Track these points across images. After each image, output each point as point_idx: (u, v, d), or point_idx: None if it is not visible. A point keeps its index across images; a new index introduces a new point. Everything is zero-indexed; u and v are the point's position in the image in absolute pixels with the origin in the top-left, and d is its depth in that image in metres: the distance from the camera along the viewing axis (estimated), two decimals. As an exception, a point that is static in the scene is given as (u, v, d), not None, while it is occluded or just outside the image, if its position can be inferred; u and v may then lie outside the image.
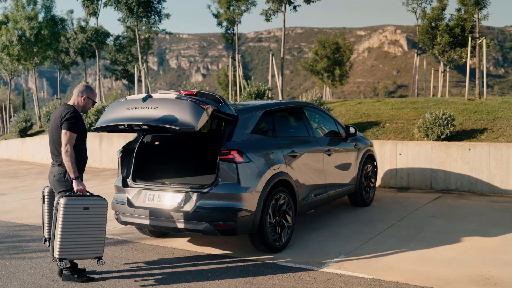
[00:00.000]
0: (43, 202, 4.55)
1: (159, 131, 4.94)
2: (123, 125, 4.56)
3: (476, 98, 12.00)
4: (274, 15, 15.27)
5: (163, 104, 4.44)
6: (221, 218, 4.55)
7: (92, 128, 4.89)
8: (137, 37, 16.24)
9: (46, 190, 4.55)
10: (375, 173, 7.40)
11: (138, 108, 4.53)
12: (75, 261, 4.25)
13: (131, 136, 11.63)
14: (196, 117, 4.28)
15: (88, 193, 4.18)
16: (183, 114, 4.30)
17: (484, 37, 12.93)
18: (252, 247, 5.01)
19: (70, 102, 4.34)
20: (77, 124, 4.16)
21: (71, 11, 23.68)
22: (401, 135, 9.64)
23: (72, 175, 4.08)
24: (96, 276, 4.36)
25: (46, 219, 4.52)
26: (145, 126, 4.46)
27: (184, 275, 4.39)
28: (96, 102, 4.53)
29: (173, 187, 4.88)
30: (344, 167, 6.47)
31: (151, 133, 5.36)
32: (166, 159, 5.74)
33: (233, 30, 20.08)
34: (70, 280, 4.20)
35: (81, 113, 4.34)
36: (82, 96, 4.30)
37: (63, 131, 4.09)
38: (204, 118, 4.34)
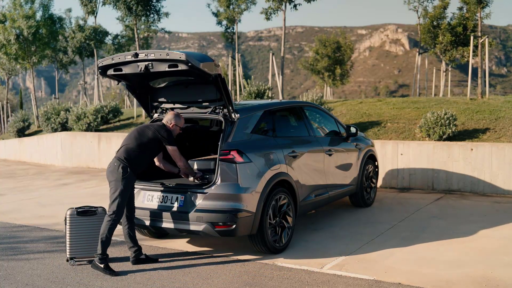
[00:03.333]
0: (65, 224, 4.72)
1: (163, 74, 4.86)
2: (132, 62, 4.55)
3: (478, 98, 11.93)
4: (274, 13, 15.21)
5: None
6: (221, 219, 4.51)
7: (98, 67, 4.94)
8: (136, 36, 16.17)
9: (68, 212, 4.75)
10: (376, 174, 7.35)
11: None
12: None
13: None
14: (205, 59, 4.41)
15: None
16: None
17: (486, 36, 12.84)
18: (252, 248, 4.97)
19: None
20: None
21: (69, 10, 23.59)
22: (402, 135, 9.59)
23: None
24: (95, 278, 4.32)
25: (68, 240, 4.71)
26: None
27: (184, 276, 4.35)
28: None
29: (172, 188, 4.85)
30: (345, 167, 6.42)
31: (157, 77, 5.13)
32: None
33: (233, 29, 20.01)
34: (96, 268, 4.45)
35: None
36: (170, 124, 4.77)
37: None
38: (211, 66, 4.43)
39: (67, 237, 4.68)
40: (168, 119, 4.76)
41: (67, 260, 4.69)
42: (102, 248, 4.45)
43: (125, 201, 4.50)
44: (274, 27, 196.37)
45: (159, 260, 4.81)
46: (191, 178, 4.91)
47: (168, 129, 4.70)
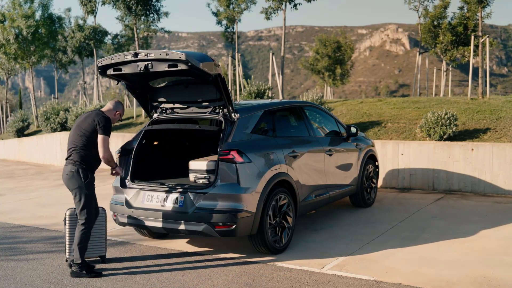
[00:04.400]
0: (65, 224, 4.69)
1: (163, 74, 4.85)
2: (132, 61, 4.53)
3: (479, 98, 11.91)
4: (274, 13, 15.19)
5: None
6: (221, 219, 4.49)
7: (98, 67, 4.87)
8: (136, 35, 16.16)
9: (68, 212, 4.72)
10: (376, 174, 7.34)
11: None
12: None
13: (129, 137, 11.59)
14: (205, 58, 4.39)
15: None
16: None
17: (487, 35, 12.82)
18: (252, 248, 4.95)
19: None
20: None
21: (69, 9, 23.52)
22: (403, 135, 9.57)
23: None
24: (95, 278, 4.31)
25: (67, 240, 4.67)
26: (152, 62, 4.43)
27: (183, 276, 4.33)
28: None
29: (172, 188, 4.83)
30: (345, 167, 6.40)
31: (156, 77, 5.11)
32: (164, 159, 5.68)
33: (233, 28, 19.97)
34: (78, 276, 4.35)
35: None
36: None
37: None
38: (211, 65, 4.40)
39: (67, 238, 4.66)
40: (110, 106, 4.61)
41: (67, 261, 4.67)
42: (81, 257, 4.37)
43: (93, 205, 4.43)
44: (274, 27, 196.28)
45: (158, 260, 4.79)
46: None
47: (107, 116, 4.46)
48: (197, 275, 4.38)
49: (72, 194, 4.43)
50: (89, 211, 4.39)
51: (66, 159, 4.47)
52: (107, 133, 4.38)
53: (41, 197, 8.67)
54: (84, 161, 4.38)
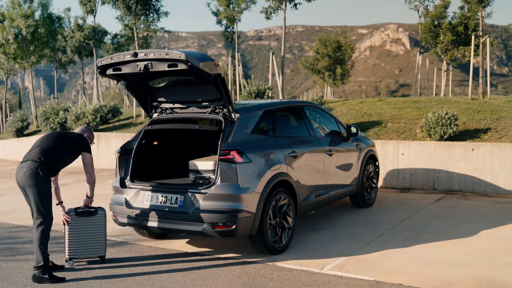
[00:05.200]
0: (64, 224, 4.68)
1: (163, 74, 4.85)
2: (132, 61, 4.52)
3: (479, 98, 11.89)
4: (275, 13, 15.16)
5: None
6: (221, 219, 4.48)
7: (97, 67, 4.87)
8: (135, 35, 16.14)
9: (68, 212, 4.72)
10: (377, 174, 7.32)
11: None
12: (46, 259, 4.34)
13: (129, 137, 11.57)
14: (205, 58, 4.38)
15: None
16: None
17: (487, 35, 12.80)
18: (252, 248, 4.94)
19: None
20: None
21: (68, 9, 23.46)
22: (403, 135, 9.55)
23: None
24: (94, 279, 4.29)
25: (67, 240, 4.65)
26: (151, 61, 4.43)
27: (183, 277, 4.32)
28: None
29: (171, 188, 4.82)
30: (346, 167, 6.39)
31: (156, 77, 5.12)
32: (164, 159, 5.67)
33: (233, 28, 19.92)
34: (40, 281, 4.22)
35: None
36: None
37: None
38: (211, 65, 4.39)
39: (66, 238, 4.65)
40: (81, 130, 4.84)
41: (66, 261, 4.66)
42: (44, 259, 4.27)
43: (51, 203, 4.36)
44: (274, 27, 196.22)
45: (158, 260, 4.78)
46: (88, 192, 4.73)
47: (85, 139, 4.72)
48: (197, 275, 4.36)
49: (28, 193, 4.29)
50: (48, 210, 4.31)
51: (25, 158, 4.37)
52: (89, 151, 4.68)
53: (41, 197, 8.66)
54: (46, 161, 4.32)
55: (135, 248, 5.26)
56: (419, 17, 19.73)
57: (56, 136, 4.57)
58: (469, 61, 15.78)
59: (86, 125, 4.95)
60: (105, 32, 23.41)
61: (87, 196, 4.71)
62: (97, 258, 4.76)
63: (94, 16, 21.42)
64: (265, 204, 4.72)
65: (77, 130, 4.85)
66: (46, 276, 4.24)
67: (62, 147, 4.50)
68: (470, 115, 9.77)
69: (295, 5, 14.85)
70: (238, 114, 4.91)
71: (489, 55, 12.27)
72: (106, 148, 12.66)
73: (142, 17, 15.93)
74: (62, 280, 4.27)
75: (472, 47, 12.73)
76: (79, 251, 4.68)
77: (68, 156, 4.56)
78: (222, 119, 4.87)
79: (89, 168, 4.60)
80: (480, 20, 13.44)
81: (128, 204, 4.95)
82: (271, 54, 15.04)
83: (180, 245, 5.34)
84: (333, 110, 11.69)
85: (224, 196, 4.54)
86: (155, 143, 5.58)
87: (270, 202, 4.78)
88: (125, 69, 4.68)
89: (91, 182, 4.63)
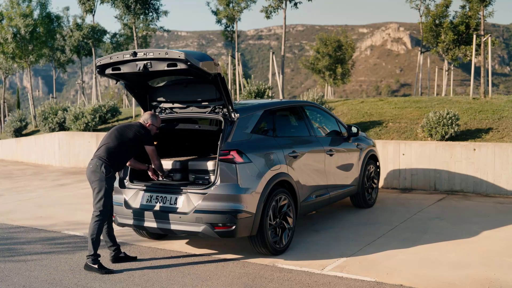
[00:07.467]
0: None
1: (162, 73, 4.86)
2: (131, 61, 4.51)
3: (481, 97, 11.85)
4: (275, 12, 15.13)
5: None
6: (221, 220, 4.46)
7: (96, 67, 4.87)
8: (135, 34, 16.12)
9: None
10: (377, 174, 7.29)
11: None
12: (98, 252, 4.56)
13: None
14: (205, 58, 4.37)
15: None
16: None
17: (489, 34, 12.76)
18: (252, 249, 4.91)
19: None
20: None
21: (67, 8, 23.42)
22: (404, 135, 9.52)
23: None
24: (93, 280, 4.27)
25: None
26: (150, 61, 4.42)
27: (183, 277, 4.30)
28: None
29: (171, 188, 4.79)
30: (346, 167, 6.36)
31: (156, 76, 5.12)
32: (164, 159, 5.63)
33: (233, 27, 19.87)
34: (90, 269, 4.46)
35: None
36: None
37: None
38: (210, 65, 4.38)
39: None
40: (145, 118, 4.83)
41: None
42: (94, 249, 4.48)
43: (110, 199, 4.60)
44: (274, 26, 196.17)
45: (157, 261, 4.75)
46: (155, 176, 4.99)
47: (147, 128, 4.77)
48: (196, 276, 4.34)
49: (91, 187, 4.60)
50: (105, 204, 4.51)
51: (94, 155, 4.68)
52: (151, 143, 4.76)
53: (39, 197, 8.64)
54: (110, 158, 4.55)
55: (134, 248, 5.23)
56: (420, 16, 19.68)
57: (119, 134, 4.66)
58: (470, 60, 15.73)
59: (151, 112, 4.95)
60: (104, 31, 23.36)
61: (159, 175, 4.92)
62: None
63: (93, 15, 21.39)
64: (265, 204, 4.69)
65: (141, 119, 4.87)
66: (96, 266, 4.44)
67: (125, 145, 4.64)
68: (472, 115, 9.73)
69: (295, 4, 14.82)
70: (238, 114, 4.88)
71: (491, 54, 12.24)
72: (106, 147, 12.61)
73: (141, 16, 15.91)
74: (111, 271, 4.43)
75: (474, 46, 12.68)
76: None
77: (132, 151, 4.72)
78: (222, 119, 4.85)
79: (151, 158, 4.79)
80: (482, 19, 13.39)
81: (127, 205, 4.93)
82: (271, 53, 15.01)
83: (180, 245, 5.31)
84: (333, 109, 11.66)
85: (224, 197, 4.51)
86: (154, 143, 5.54)
87: (270, 203, 4.75)
88: (124, 69, 4.65)
89: (156, 167, 4.84)
